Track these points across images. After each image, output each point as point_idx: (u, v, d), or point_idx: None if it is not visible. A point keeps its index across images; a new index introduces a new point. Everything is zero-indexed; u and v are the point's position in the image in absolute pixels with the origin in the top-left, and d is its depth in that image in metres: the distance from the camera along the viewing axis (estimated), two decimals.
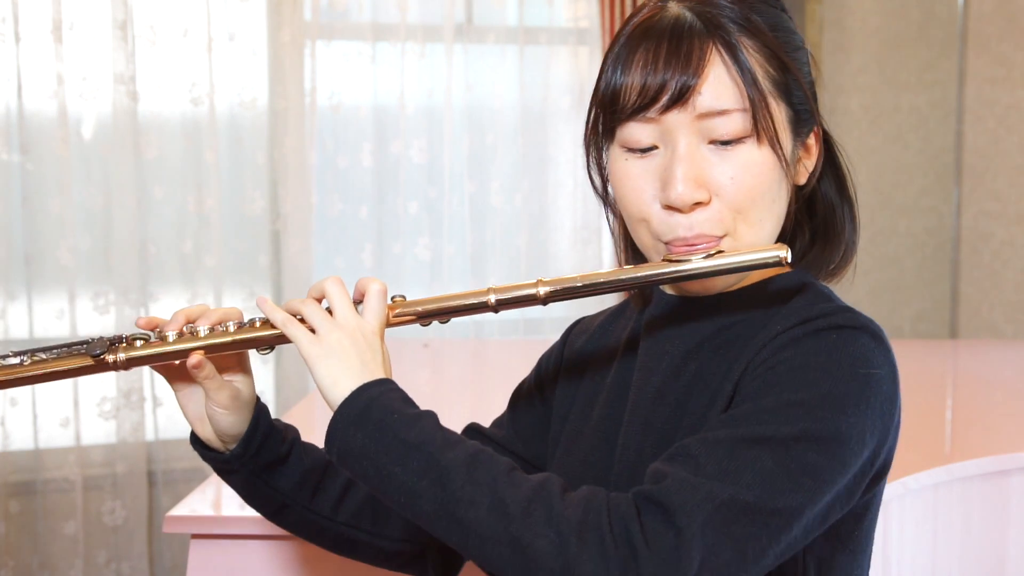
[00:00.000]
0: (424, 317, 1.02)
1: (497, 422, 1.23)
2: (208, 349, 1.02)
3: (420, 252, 3.60)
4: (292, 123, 3.40)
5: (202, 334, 1.02)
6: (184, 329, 1.03)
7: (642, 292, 1.11)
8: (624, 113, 0.97)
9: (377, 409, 0.92)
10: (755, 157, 0.96)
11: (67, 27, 3.19)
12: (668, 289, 1.07)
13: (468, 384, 2.88)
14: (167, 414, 3.42)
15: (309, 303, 0.99)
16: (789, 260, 0.94)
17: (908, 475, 1.82)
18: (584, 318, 1.24)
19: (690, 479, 0.86)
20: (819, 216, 1.07)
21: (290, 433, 1.12)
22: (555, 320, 3.64)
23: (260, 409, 1.09)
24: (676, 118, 0.95)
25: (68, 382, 3.28)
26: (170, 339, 1.03)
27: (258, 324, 1.02)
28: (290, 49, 3.39)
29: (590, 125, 1.03)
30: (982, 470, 1.92)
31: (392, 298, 1.02)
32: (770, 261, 0.94)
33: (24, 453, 3.28)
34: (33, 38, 3.17)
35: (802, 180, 1.03)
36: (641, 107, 0.96)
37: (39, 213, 3.24)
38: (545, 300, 0.99)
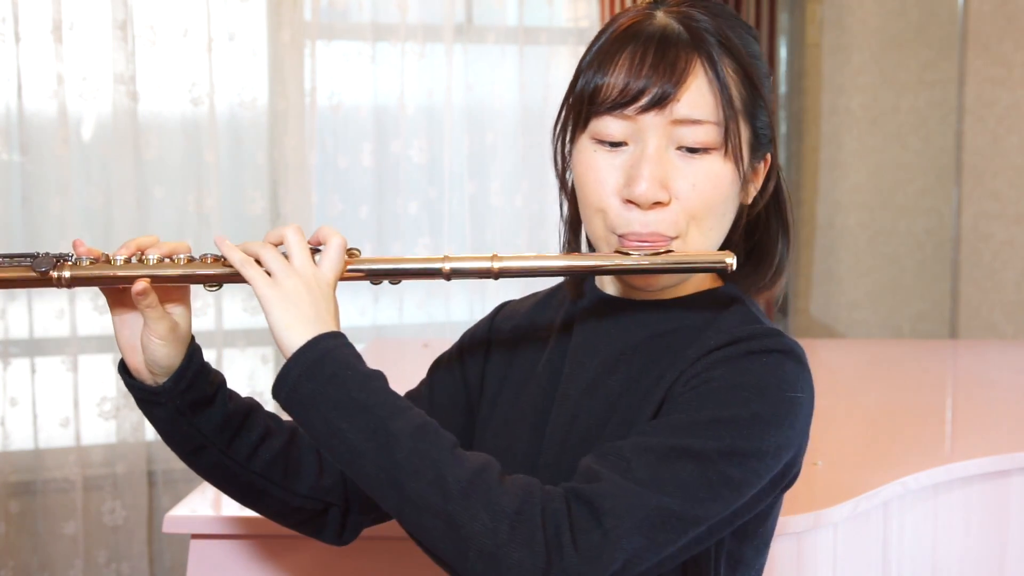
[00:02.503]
0: (376, 275, 1.03)
1: (413, 393, 1.24)
2: (155, 279, 1.02)
3: (420, 252, 3.60)
4: (292, 123, 3.40)
5: (151, 262, 1.02)
6: (133, 257, 1.03)
7: (578, 284, 1.15)
8: (603, 107, 1.01)
9: (331, 362, 0.94)
10: (718, 169, 1.01)
11: (67, 27, 3.19)
12: (608, 287, 1.12)
13: None
14: None
15: (267, 247, 1.00)
16: (734, 267, 1.01)
17: (908, 475, 1.82)
18: (511, 302, 1.27)
19: (622, 483, 0.92)
20: (756, 237, 1.14)
21: (218, 377, 1.13)
22: None
23: (194, 347, 1.09)
24: (651, 120, 1.00)
25: (68, 382, 3.28)
26: (118, 263, 1.02)
27: (209, 260, 1.03)
28: (290, 49, 3.39)
29: (563, 114, 1.07)
30: (982, 470, 1.92)
31: (348, 251, 1.03)
32: (716, 265, 1.01)
33: (24, 453, 3.28)
34: (33, 38, 3.17)
35: (748, 200, 1.09)
36: (620, 104, 1.00)
37: (39, 213, 3.24)
38: (498, 275, 1.01)
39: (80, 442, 3.30)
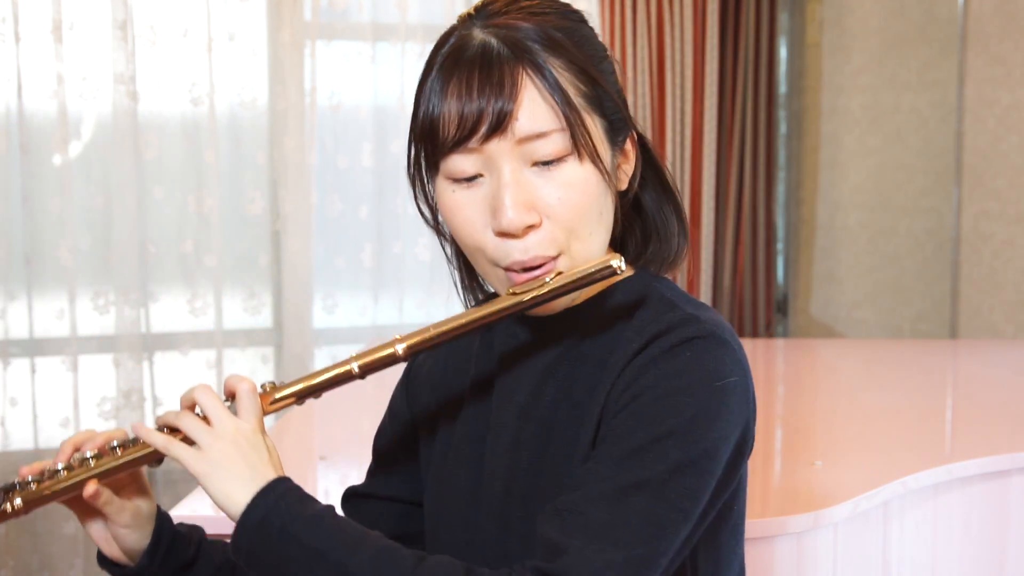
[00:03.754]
0: (299, 398, 1.04)
1: (370, 472, 1.24)
2: (100, 476, 1.02)
3: (420, 252, 3.60)
4: (292, 123, 3.40)
5: (90, 461, 1.03)
6: (73, 460, 1.03)
7: (471, 297, 1.15)
8: (446, 146, 0.98)
9: (276, 518, 0.94)
10: (578, 174, 0.98)
11: (67, 27, 3.19)
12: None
13: None
14: None
15: (184, 416, 1.00)
16: (623, 268, 0.98)
17: (908, 475, 1.82)
18: (418, 359, 1.24)
19: (584, 551, 0.91)
20: (647, 215, 1.11)
21: (196, 534, 1.13)
22: None
23: (162, 518, 1.10)
24: (497, 146, 0.97)
25: (68, 382, 3.28)
26: (61, 474, 1.03)
27: (142, 442, 1.02)
28: (290, 49, 3.39)
29: (412, 159, 1.04)
30: (982, 470, 1.92)
31: (262, 386, 1.04)
32: (606, 272, 0.98)
33: (24, 453, 3.28)
34: (33, 38, 3.17)
35: (624, 186, 1.06)
36: (461, 139, 0.97)
37: (39, 213, 3.24)
38: (405, 356, 1.01)
39: None
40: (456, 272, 1.14)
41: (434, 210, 1.07)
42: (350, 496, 1.23)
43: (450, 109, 0.97)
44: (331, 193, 3.54)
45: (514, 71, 0.97)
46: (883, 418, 2.32)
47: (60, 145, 3.21)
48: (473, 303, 1.15)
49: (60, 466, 1.03)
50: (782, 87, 4.08)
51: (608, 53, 1.06)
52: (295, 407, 1.09)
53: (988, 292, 3.52)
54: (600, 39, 1.06)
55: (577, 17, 1.04)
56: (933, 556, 1.89)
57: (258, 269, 3.49)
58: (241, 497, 0.96)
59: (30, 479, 1.03)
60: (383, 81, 3.53)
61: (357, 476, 1.29)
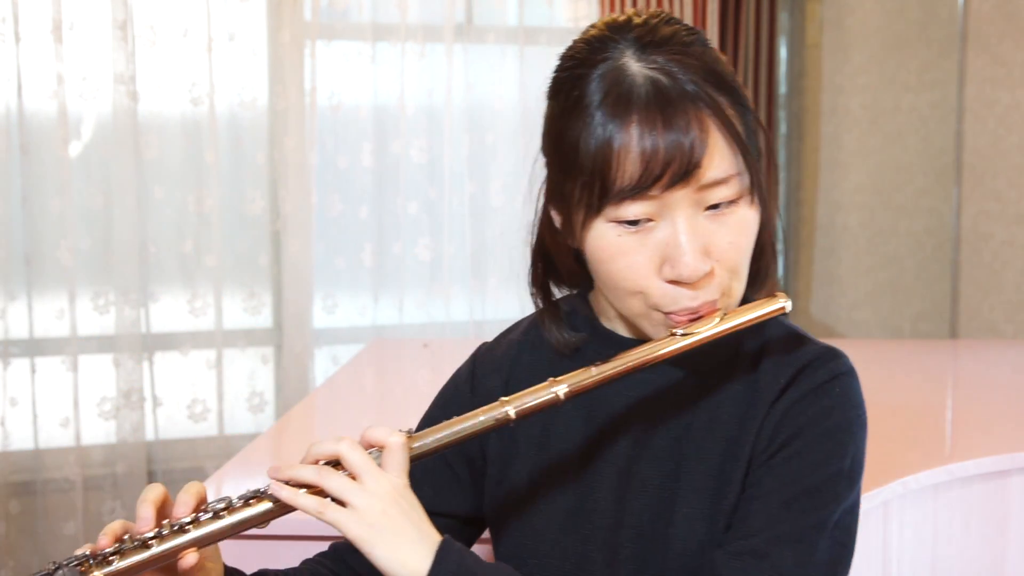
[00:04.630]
0: (446, 448, 0.97)
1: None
2: (199, 543, 0.92)
3: (420, 252, 3.60)
4: (292, 123, 3.40)
5: (185, 526, 0.92)
6: (163, 527, 0.93)
7: (564, 335, 1.08)
8: (622, 193, 0.91)
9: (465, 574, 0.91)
10: (747, 216, 0.95)
11: (67, 27, 3.19)
12: (619, 328, 1.07)
13: None
14: (167, 414, 3.43)
15: (329, 473, 0.92)
16: (790, 308, 0.98)
17: (908, 475, 1.82)
18: (487, 350, 1.20)
19: None
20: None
21: None
22: None
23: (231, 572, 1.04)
24: (677, 194, 0.92)
25: (68, 382, 3.28)
26: (147, 540, 0.91)
27: (251, 501, 0.93)
28: (290, 49, 3.39)
29: (563, 191, 0.98)
30: (982, 470, 1.92)
31: (404, 433, 0.96)
32: (776, 313, 0.98)
33: (24, 453, 3.28)
34: (33, 38, 3.17)
35: None
36: (643, 187, 0.91)
37: (39, 213, 3.24)
38: (567, 397, 0.95)
39: (80, 442, 3.30)
40: (532, 269, 1.09)
41: (546, 213, 1.04)
42: None
43: (628, 154, 0.90)
44: (331, 193, 3.54)
45: (699, 115, 0.91)
46: (883, 418, 2.31)
47: (60, 145, 3.21)
48: (541, 301, 1.10)
49: (150, 535, 0.91)
50: (782, 87, 4.07)
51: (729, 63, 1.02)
52: None
53: (988, 292, 3.52)
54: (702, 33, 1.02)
55: (701, 37, 0.98)
56: (933, 556, 1.89)
57: (258, 269, 3.49)
58: (419, 562, 0.90)
59: (109, 555, 0.92)
60: (383, 81, 3.53)
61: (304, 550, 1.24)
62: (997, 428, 2.20)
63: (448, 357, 3.12)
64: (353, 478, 0.91)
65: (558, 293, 1.12)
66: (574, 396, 0.96)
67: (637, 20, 0.98)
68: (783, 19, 4.04)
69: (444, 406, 1.18)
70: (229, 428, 3.47)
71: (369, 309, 3.60)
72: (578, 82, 0.95)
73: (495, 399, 1.04)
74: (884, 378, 2.81)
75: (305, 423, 2.35)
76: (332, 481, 0.91)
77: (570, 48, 1.00)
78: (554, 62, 1.03)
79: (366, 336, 3.56)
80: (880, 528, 1.80)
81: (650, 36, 0.94)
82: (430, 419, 1.17)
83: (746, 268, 0.98)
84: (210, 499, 0.97)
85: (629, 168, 0.90)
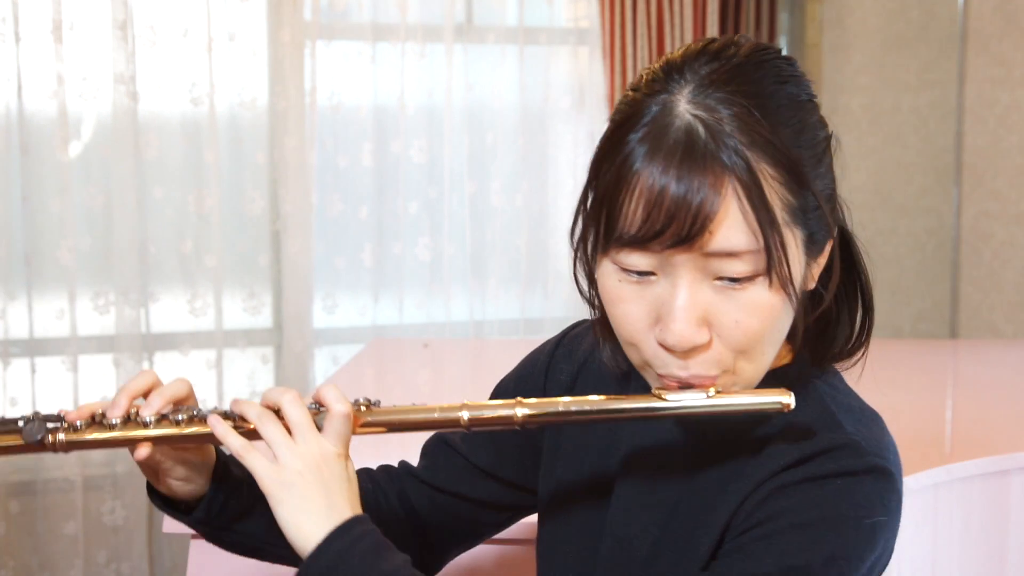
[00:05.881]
0: (391, 429, 0.95)
1: (465, 435, 1.15)
2: (155, 440, 0.94)
3: (420, 252, 3.60)
4: (292, 123, 3.40)
5: (148, 421, 0.94)
6: (131, 412, 0.95)
7: (615, 358, 1.00)
8: (622, 240, 0.85)
9: (346, 567, 0.87)
10: (765, 299, 0.85)
11: (67, 27, 3.19)
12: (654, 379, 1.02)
13: (468, 384, 2.87)
14: None
15: (268, 420, 0.91)
16: (793, 406, 0.86)
17: (908, 475, 1.82)
18: (576, 334, 1.14)
19: None
20: (823, 305, 0.95)
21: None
22: (556, 320, 3.64)
23: (220, 464, 1.03)
24: (681, 255, 0.84)
25: (68, 382, 3.28)
26: (113, 423, 0.95)
27: (200, 421, 0.94)
28: (290, 49, 3.39)
29: (578, 231, 0.91)
30: (982, 470, 1.92)
31: (355, 402, 0.95)
32: (773, 409, 0.87)
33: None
34: (33, 38, 3.17)
35: (812, 286, 0.92)
36: (644, 240, 0.83)
37: (39, 213, 3.24)
38: (522, 424, 0.92)
39: None
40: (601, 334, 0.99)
41: (592, 277, 0.93)
42: (441, 440, 1.18)
43: (639, 196, 0.83)
44: (331, 193, 3.54)
45: (721, 176, 0.81)
46: (883, 418, 2.31)
47: (60, 145, 3.21)
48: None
49: (115, 420, 0.95)
50: None
51: (825, 124, 0.93)
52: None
53: (988, 292, 3.52)
54: (805, 78, 0.91)
55: (782, 74, 0.89)
56: (933, 556, 1.89)
57: (258, 269, 3.49)
58: (312, 533, 0.88)
59: (79, 424, 0.95)
60: (383, 81, 3.53)
61: (359, 464, 1.27)
62: (997, 428, 2.20)
63: (448, 357, 3.12)
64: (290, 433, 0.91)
65: None
66: (535, 424, 0.92)
67: (713, 46, 0.89)
68: (783, 19, 4.04)
69: (518, 379, 1.16)
70: None
71: (369, 309, 3.60)
72: (634, 107, 0.87)
73: (562, 390, 1.07)
74: (884, 378, 2.81)
75: None
76: (267, 428, 0.91)
77: (648, 68, 0.91)
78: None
79: (366, 336, 3.56)
80: None
81: (721, 70, 0.86)
82: (504, 387, 1.17)
83: (763, 350, 0.88)
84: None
85: (633, 212, 0.83)
